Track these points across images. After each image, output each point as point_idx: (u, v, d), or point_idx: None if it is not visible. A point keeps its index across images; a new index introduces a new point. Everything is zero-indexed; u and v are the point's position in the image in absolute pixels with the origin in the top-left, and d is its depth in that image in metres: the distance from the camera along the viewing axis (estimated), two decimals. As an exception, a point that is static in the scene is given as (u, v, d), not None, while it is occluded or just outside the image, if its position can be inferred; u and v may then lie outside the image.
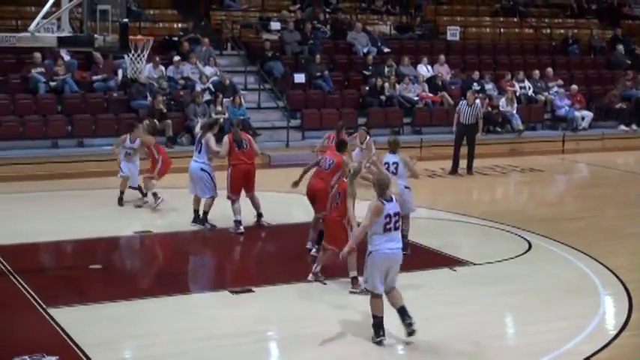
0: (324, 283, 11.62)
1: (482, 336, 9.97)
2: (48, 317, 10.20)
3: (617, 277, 12.24)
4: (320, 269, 11.70)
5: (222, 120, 20.64)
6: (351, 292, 11.27)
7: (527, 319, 10.68)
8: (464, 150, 20.40)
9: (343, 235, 11.07)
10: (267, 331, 10.14)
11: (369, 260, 9.50)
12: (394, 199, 9.51)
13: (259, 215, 14.73)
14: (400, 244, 9.64)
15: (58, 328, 9.84)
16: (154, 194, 15.74)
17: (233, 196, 14.17)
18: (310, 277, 11.72)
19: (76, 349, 9.26)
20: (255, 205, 14.64)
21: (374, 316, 9.62)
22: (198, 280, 12.80)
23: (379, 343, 9.57)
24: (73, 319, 10.10)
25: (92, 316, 10.35)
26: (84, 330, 9.76)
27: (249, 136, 14.93)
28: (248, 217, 14.50)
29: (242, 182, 14.23)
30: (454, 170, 20.30)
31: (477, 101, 20.69)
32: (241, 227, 14.21)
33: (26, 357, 8.88)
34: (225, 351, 9.44)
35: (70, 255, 13.75)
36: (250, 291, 11.36)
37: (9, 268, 12.09)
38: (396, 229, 9.49)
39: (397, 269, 9.66)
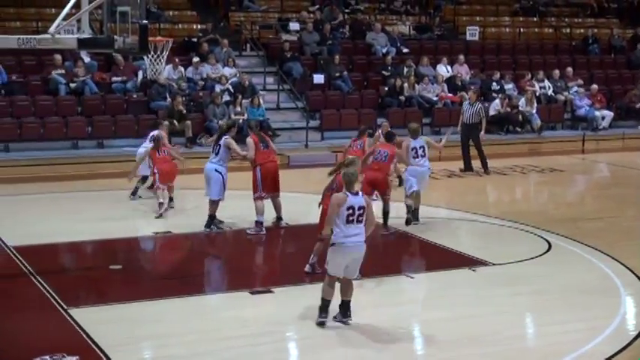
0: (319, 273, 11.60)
1: (502, 337, 9.95)
2: (68, 317, 10.25)
3: (638, 277, 12.19)
4: (317, 260, 11.79)
5: (240, 121, 20.73)
6: (306, 272, 11.85)
7: (547, 319, 10.64)
8: (473, 149, 20.45)
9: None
10: (286, 332, 10.14)
11: (332, 249, 9.92)
12: (360, 194, 9.89)
13: (279, 218, 14.76)
14: (362, 238, 9.90)
15: (78, 329, 9.89)
16: (159, 203, 15.63)
17: (263, 194, 14.26)
18: (307, 267, 11.92)
19: (96, 349, 9.31)
20: (277, 207, 14.68)
21: (322, 299, 10.01)
22: (218, 281, 12.83)
23: (321, 324, 9.97)
24: (94, 320, 10.15)
25: (112, 317, 10.40)
26: (104, 330, 9.81)
27: (267, 137, 15.04)
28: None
29: (271, 180, 14.35)
30: (468, 168, 20.38)
31: (479, 101, 20.96)
32: (263, 229, 14.27)
33: (47, 357, 8.93)
34: (244, 351, 9.46)
35: (90, 255, 13.81)
36: (270, 292, 11.38)
37: (30, 269, 12.16)
38: (358, 221, 9.80)
39: (359, 262, 10.03)
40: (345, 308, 10.10)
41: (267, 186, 14.33)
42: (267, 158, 14.35)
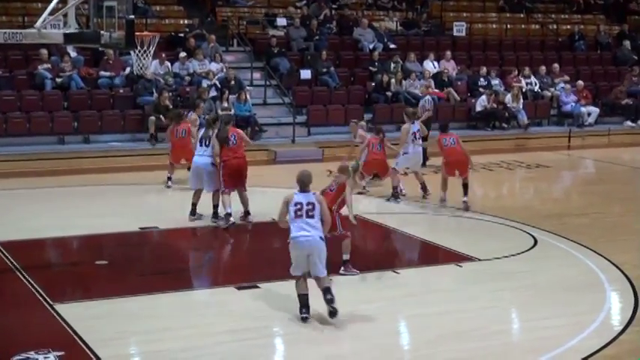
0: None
1: (488, 332, 9.98)
2: (54, 313, 10.23)
3: (623, 272, 12.24)
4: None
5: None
6: (341, 274, 11.79)
7: (532, 315, 10.67)
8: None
9: (335, 220, 11.54)
10: (273, 327, 10.14)
11: (290, 246, 10.19)
12: (311, 193, 10.23)
13: (246, 213, 14.80)
14: (316, 233, 10.06)
15: (64, 324, 9.86)
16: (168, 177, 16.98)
17: (224, 190, 14.39)
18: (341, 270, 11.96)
19: (82, 344, 9.29)
20: (244, 201, 14.74)
21: (299, 295, 10.20)
22: (204, 276, 12.81)
23: (304, 320, 10.06)
24: (79, 315, 10.13)
25: (98, 312, 10.38)
26: (90, 325, 9.79)
27: (239, 131, 15.05)
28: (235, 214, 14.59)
29: (232, 177, 14.38)
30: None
31: (428, 96, 21.59)
32: (232, 219, 14.34)
33: (32, 352, 8.91)
34: (232, 347, 9.46)
35: (75, 251, 13.78)
36: (256, 287, 11.38)
37: (15, 264, 12.13)
38: (309, 216, 10.06)
39: (319, 256, 10.10)
40: (325, 294, 10.11)
41: (229, 182, 14.38)
42: (228, 155, 14.38)
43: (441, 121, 20.47)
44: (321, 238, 10.12)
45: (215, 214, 14.62)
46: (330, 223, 10.59)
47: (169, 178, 17.37)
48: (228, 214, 14.34)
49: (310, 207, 10.11)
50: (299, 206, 10.12)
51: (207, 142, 14.56)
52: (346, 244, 11.97)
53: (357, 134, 17.94)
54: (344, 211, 11.89)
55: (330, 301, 10.00)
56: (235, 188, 14.54)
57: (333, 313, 9.99)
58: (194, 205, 14.77)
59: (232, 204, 14.37)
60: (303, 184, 10.26)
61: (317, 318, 10.20)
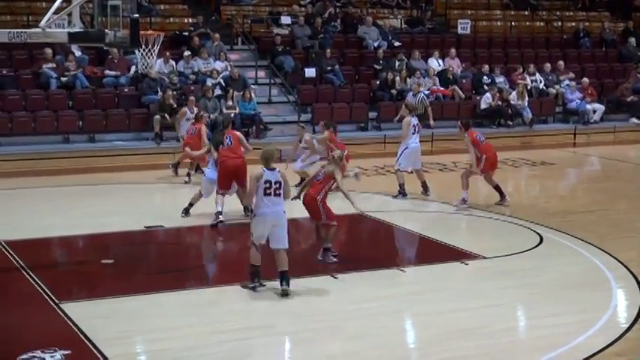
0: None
1: (494, 330, 9.97)
2: (60, 312, 10.24)
3: (629, 270, 12.22)
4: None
5: (232, 115, 20.76)
6: (319, 260, 12.37)
7: (538, 312, 10.66)
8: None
9: (318, 210, 12.29)
10: (278, 326, 10.14)
11: (254, 220, 10.95)
12: (277, 169, 10.96)
13: (245, 209, 14.80)
14: (281, 208, 10.89)
15: (70, 323, 9.87)
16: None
17: (220, 190, 14.51)
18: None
19: (88, 343, 9.30)
20: (241, 199, 14.79)
21: (252, 265, 11.03)
22: (210, 275, 12.82)
23: (253, 289, 10.98)
24: (85, 314, 10.14)
25: (104, 311, 10.38)
26: (96, 324, 9.80)
27: (237, 134, 15.02)
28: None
29: (228, 177, 14.43)
30: None
31: (421, 92, 21.30)
32: (221, 217, 14.44)
33: (38, 351, 8.92)
34: (237, 345, 9.45)
35: (81, 250, 13.80)
36: (261, 285, 11.37)
37: (21, 263, 12.14)
38: (276, 194, 10.84)
39: (281, 230, 10.91)
40: (281, 279, 10.90)
41: (224, 182, 14.46)
42: (224, 155, 14.43)
43: (462, 117, 20.36)
44: (284, 212, 10.94)
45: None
46: (290, 196, 11.35)
47: (189, 174, 17.94)
48: (219, 213, 14.42)
49: (277, 185, 10.87)
50: (268, 184, 10.82)
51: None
52: (330, 233, 12.34)
53: (304, 139, 17.74)
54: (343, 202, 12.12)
55: (283, 283, 10.87)
56: (228, 190, 14.59)
57: (284, 293, 10.84)
58: (191, 205, 14.90)
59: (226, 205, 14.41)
60: (267, 161, 10.95)
61: (320, 317, 10.21)
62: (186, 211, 14.90)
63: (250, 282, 11.06)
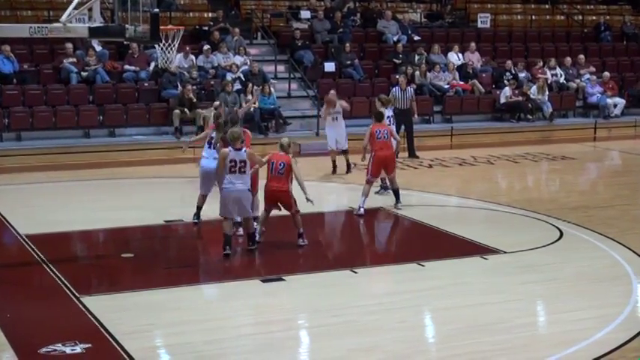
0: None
1: (513, 325, 9.94)
2: (81, 306, 10.30)
3: (650, 265, 12.17)
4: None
5: (252, 109, 20.82)
6: (299, 246, 12.83)
7: (558, 307, 10.62)
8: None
9: (291, 201, 12.86)
10: (296, 320, 10.17)
11: (222, 196, 12.19)
12: (243, 149, 12.06)
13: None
14: (244, 185, 12.05)
15: (90, 317, 9.93)
16: None
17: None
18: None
19: (108, 337, 9.34)
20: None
21: (224, 234, 12.20)
22: (229, 269, 12.82)
23: (226, 256, 12.14)
24: (106, 308, 10.19)
25: (124, 305, 10.43)
26: (116, 318, 9.85)
27: (249, 151, 13.35)
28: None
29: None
30: (412, 155, 20.68)
31: (410, 87, 20.92)
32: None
33: (59, 344, 8.97)
34: (258, 339, 9.47)
35: (102, 244, 13.85)
36: (281, 279, 11.40)
37: (42, 257, 12.21)
38: (240, 172, 11.97)
39: (247, 201, 12.16)
40: (249, 239, 12.47)
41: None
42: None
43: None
44: (248, 189, 12.16)
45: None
46: (260, 163, 12.61)
47: None
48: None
49: (242, 164, 11.98)
50: (233, 163, 11.96)
51: (215, 145, 14.12)
52: (299, 219, 12.86)
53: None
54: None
55: (250, 241, 12.41)
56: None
57: (251, 250, 12.39)
58: (199, 208, 14.28)
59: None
60: (230, 142, 12.02)
61: (340, 311, 10.22)
62: (197, 217, 14.35)
63: (222, 249, 12.16)
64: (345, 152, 18.46)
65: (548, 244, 13.30)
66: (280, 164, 12.61)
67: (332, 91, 19.48)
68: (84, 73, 21.88)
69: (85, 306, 10.25)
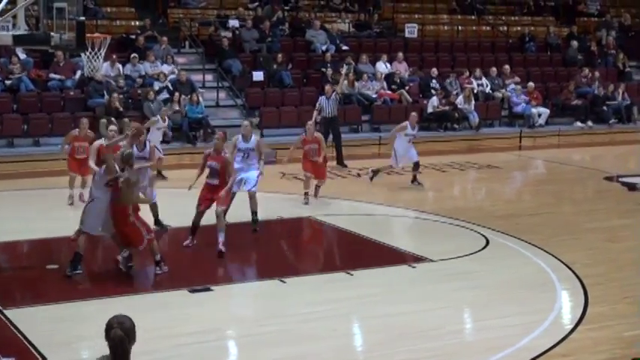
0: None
1: (444, 332, 10.03)
2: (4, 318, 10.09)
3: (574, 272, 12.37)
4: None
5: (179, 119, 20.70)
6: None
7: (485, 314, 10.75)
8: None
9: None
10: (229, 329, 10.12)
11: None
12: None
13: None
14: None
15: (14, 329, 9.74)
16: None
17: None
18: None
19: (32, 350, 9.18)
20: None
21: (75, 253, 11.81)
22: (157, 279, 12.70)
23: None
24: (30, 320, 10.02)
25: (50, 317, 10.26)
26: (41, 330, 9.68)
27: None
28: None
29: None
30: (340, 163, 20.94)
31: (334, 95, 21.06)
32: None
33: (-17, 358, 8.80)
34: (189, 349, 9.37)
35: (26, 255, 13.62)
36: (209, 290, 11.33)
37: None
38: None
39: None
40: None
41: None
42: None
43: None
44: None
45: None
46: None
47: None
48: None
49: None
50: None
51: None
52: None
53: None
54: None
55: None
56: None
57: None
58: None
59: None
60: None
61: (269, 320, 10.20)
62: (160, 225, 14.31)
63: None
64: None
65: (475, 252, 13.46)
66: None
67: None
68: (7, 82, 21.50)
69: (8, 319, 10.05)
